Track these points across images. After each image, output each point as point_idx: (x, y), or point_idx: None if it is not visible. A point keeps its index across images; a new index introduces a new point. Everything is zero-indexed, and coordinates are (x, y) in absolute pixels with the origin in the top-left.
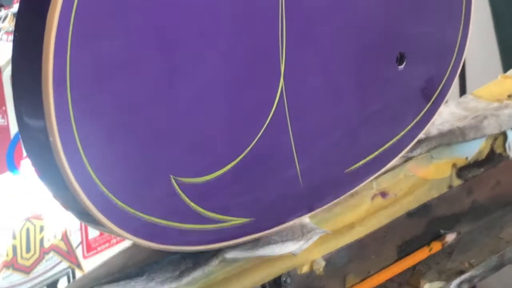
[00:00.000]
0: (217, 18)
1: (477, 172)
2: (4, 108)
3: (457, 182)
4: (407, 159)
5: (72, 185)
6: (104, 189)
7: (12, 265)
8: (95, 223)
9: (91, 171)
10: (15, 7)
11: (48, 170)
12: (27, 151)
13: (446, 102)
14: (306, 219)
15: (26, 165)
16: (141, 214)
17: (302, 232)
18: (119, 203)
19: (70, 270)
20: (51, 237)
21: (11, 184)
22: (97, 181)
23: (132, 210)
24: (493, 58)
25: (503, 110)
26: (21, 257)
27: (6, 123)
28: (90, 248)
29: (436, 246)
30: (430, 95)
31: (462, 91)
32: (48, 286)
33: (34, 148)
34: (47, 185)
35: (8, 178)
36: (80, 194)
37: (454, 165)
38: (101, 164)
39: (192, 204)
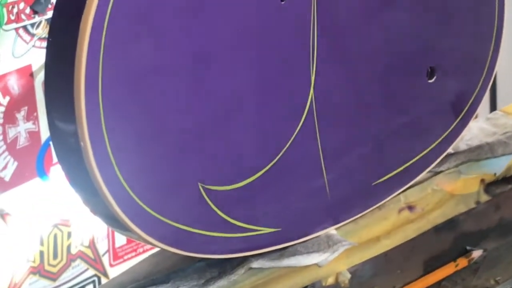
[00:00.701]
0: (248, 28)
1: (505, 188)
2: (35, 114)
3: (484, 197)
4: (435, 174)
5: (102, 190)
6: (133, 195)
7: (39, 271)
8: (123, 228)
9: (120, 177)
10: (49, 14)
11: (79, 175)
12: (58, 157)
13: (476, 117)
14: (332, 230)
15: (56, 171)
16: (169, 221)
17: (328, 244)
18: (147, 209)
19: (96, 278)
20: (78, 244)
21: (40, 190)
22: (126, 186)
23: (159, 217)
24: None
25: None
26: (48, 263)
27: (37, 129)
28: (116, 256)
29: (462, 262)
30: (459, 110)
31: (493, 106)
32: None
33: (65, 153)
34: (77, 191)
35: (37, 184)
36: (110, 199)
37: (482, 181)
38: (130, 170)
39: (219, 212)
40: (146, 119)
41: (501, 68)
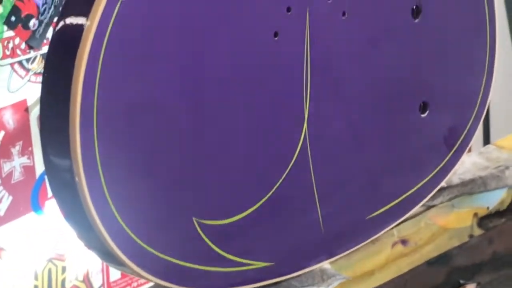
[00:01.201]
0: (242, 64)
1: (498, 222)
2: (30, 148)
3: (478, 231)
4: (428, 208)
5: (97, 225)
6: (128, 230)
7: None
8: (118, 263)
9: (115, 211)
10: (44, 49)
11: (73, 210)
12: (53, 191)
13: (469, 151)
14: (326, 264)
15: (50, 205)
16: (163, 256)
17: (322, 278)
18: (142, 243)
19: None
20: (73, 279)
21: (35, 224)
22: (121, 221)
23: (154, 251)
24: None
25: None
26: None
27: (32, 164)
28: None
29: None
30: (452, 144)
31: (486, 140)
32: None
33: (60, 188)
34: (71, 225)
35: (32, 218)
36: (104, 234)
37: (475, 215)
38: (125, 205)
39: (213, 246)
40: (140, 155)
41: (494, 101)
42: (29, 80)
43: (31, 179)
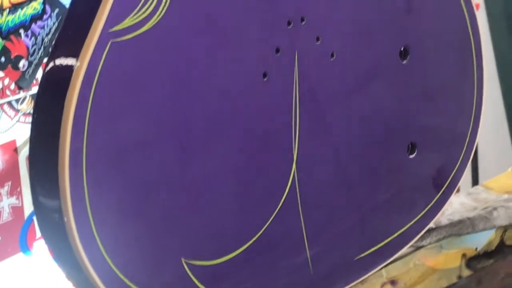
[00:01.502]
0: (231, 105)
1: (487, 263)
2: (19, 189)
3: (466, 272)
4: (417, 248)
5: (86, 266)
6: (117, 271)
7: None
8: None
9: (104, 252)
10: (34, 90)
11: (62, 250)
12: (41, 232)
13: (458, 191)
14: None
15: (39, 246)
16: None
17: None
18: (130, 284)
19: None
20: None
21: (23, 265)
22: (110, 262)
23: None
24: (507, 149)
25: None
26: None
27: (20, 204)
28: None
29: None
30: (440, 185)
31: (475, 181)
32: None
33: (49, 228)
34: (60, 266)
35: (20, 259)
36: (93, 275)
37: (463, 255)
38: (114, 246)
39: (201, 287)
40: (129, 196)
41: (482, 142)
42: (18, 121)
43: (20, 220)
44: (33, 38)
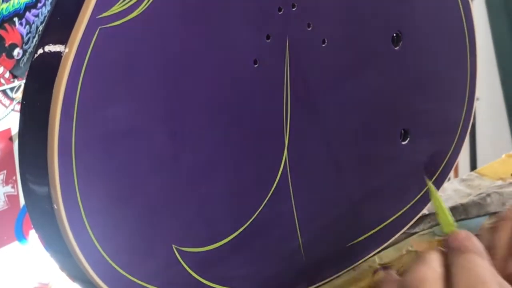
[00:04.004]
0: (222, 91)
1: None
2: (14, 177)
3: None
4: (409, 235)
5: (76, 254)
6: (107, 258)
7: None
8: None
9: (94, 239)
10: None
11: (53, 239)
12: (32, 220)
13: (449, 179)
14: None
15: (35, 235)
16: (143, 283)
17: None
18: (122, 272)
19: None
20: None
21: (19, 254)
22: (100, 249)
23: (134, 279)
24: (504, 135)
25: (507, 188)
26: None
27: (16, 193)
28: None
29: None
30: (433, 171)
31: (473, 168)
32: None
33: (39, 216)
34: (51, 254)
35: (16, 248)
36: (83, 261)
37: None
38: (104, 233)
39: (193, 273)
40: (119, 182)
41: (481, 130)
42: (13, 109)
43: (15, 208)
44: (27, 27)
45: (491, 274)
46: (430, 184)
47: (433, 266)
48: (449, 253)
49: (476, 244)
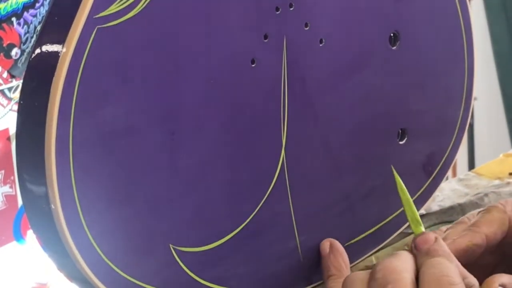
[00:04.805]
0: (220, 91)
1: None
2: (12, 177)
3: None
4: (406, 235)
5: (73, 253)
6: (104, 257)
7: None
8: None
9: (91, 239)
10: None
11: (50, 239)
12: (29, 220)
13: (447, 178)
14: None
15: (33, 235)
16: (140, 283)
17: None
18: (118, 271)
19: None
20: None
21: (17, 254)
22: (98, 249)
23: (131, 279)
24: (502, 135)
25: (504, 187)
26: None
27: (14, 193)
28: None
29: None
30: (431, 171)
31: (471, 167)
32: None
33: (37, 216)
34: (49, 254)
35: (14, 247)
36: (81, 261)
37: None
38: (101, 232)
39: (190, 273)
40: (116, 182)
41: (479, 130)
42: (11, 109)
43: (13, 208)
44: (25, 26)
45: (459, 278)
46: (397, 176)
47: (403, 258)
48: (418, 256)
49: (445, 248)
